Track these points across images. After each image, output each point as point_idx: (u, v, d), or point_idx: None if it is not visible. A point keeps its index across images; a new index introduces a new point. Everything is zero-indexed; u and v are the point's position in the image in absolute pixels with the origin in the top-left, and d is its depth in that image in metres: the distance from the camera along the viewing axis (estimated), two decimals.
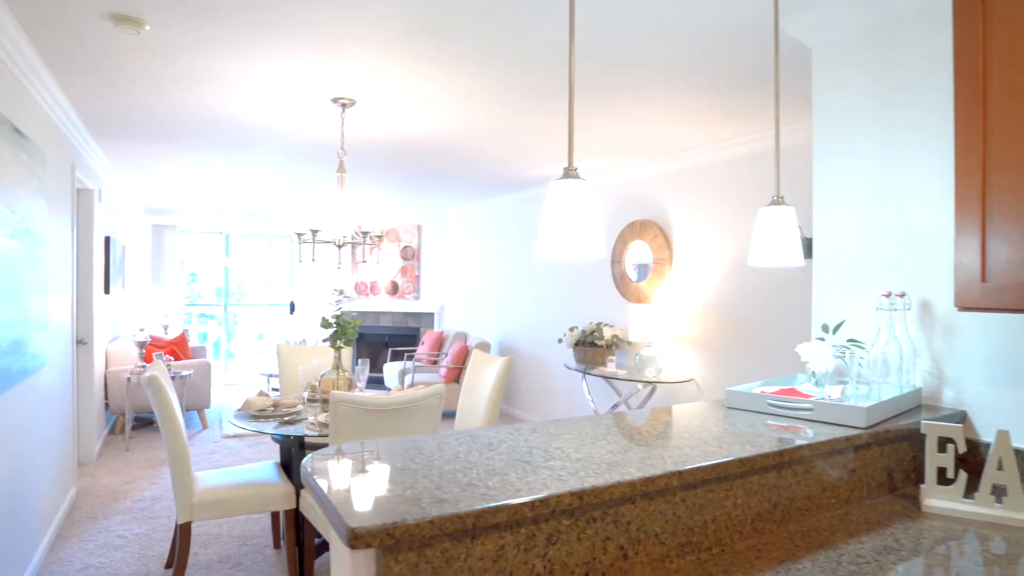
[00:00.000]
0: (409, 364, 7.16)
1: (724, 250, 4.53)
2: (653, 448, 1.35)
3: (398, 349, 8.53)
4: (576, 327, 5.42)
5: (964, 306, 1.50)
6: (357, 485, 1.08)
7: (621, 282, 5.44)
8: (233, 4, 2.32)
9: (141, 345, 5.75)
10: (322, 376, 3.41)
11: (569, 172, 1.30)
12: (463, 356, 6.61)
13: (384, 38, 2.65)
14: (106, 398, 5.75)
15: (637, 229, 5.26)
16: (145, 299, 7.57)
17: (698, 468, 1.22)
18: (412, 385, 6.58)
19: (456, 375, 6.66)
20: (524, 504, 1.01)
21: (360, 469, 1.18)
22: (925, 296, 1.91)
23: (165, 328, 7.63)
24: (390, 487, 1.08)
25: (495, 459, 1.25)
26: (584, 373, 5.15)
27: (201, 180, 6.25)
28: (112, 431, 6.05)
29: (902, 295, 1.87)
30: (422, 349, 7.62)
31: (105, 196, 5.50)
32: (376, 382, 8.46)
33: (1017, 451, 1.57)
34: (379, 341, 9.08)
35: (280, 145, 4.64)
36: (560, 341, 5.62)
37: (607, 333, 5.19)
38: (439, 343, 7.62)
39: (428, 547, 0.96)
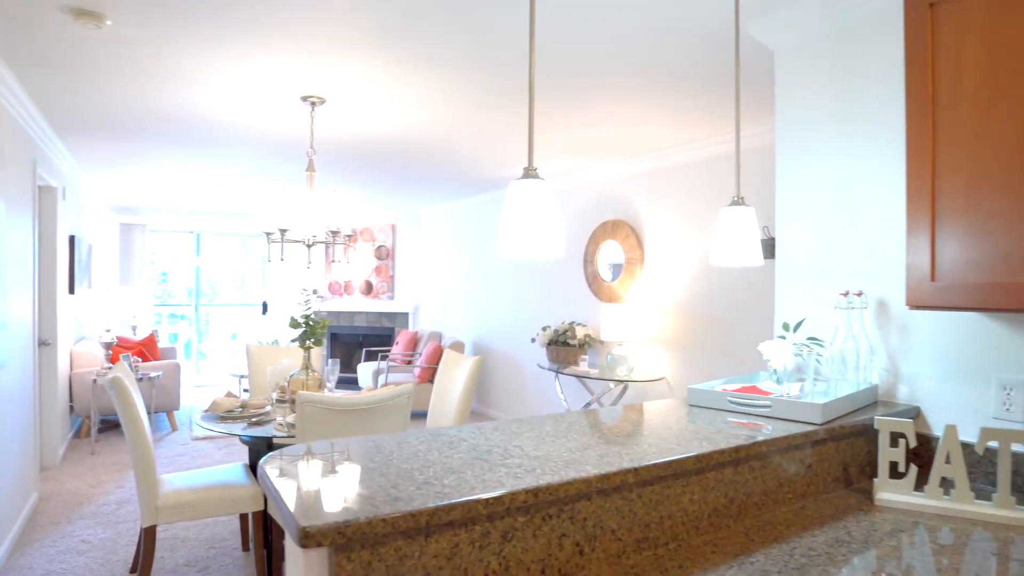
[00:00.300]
0: (383, 364, 7.12)
1: (695, 250, 4.58)
2: (612, 445, 1.37)
3: (372, 349, 8.48)
4: (549, 326, 5.44)
5: (915, 305, 1.54)
6: (312, 484, 1.08)
7: (593, 282, 5.48)
8: (197, 0, 2.29)
9: (107, 346, 5.64)
10: (291, 376, 3.38)
11: (529, 172, 1.31)
12: (437, 356, 6.59)
13: (354, 37, 2.64)
14: (71, 400, 5.63)
15: (609, 229, 5.30)
16: (113, 299, 7.43)
17: (654, 465, 1.24)
18: (386, 385, 6.55)
19: (430, 375, 6.64)
20: (478, 501, 1.02)
21: (316, 469, 1.17)
22: (882, 295, 1.95)
23: (133, 329, 7.49)
24: (345, 486, 1.07)
25: (454, 457, 1.25)
26: (557, 372, 5.17)
27: (171, 178, 6.15)
28: (77, 434, 5.93)
29: (859, 294, 1.92)
30: (396, 349, 7.58)
31: (70, 194, 5.39)
32: (350, 382, 8.40)
33: (964, 445, 1.62)
34: (353, 341, 9.02)
35: (250, 143, 4.59)
36: (533, 340, 5.64)
37: (579, 332, 5.22)
38: (413, 343, 7.59)
39: (381, 545, 0.96)
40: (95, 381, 5.39)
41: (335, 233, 3.68)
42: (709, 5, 2.32)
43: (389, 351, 7.76)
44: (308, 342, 3.38)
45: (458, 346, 6.88)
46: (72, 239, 5.40)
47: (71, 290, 5.35)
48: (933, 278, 1.50)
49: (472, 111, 3.74)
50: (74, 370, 5.61)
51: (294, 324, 3.35)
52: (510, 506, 1.05)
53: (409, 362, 7.30)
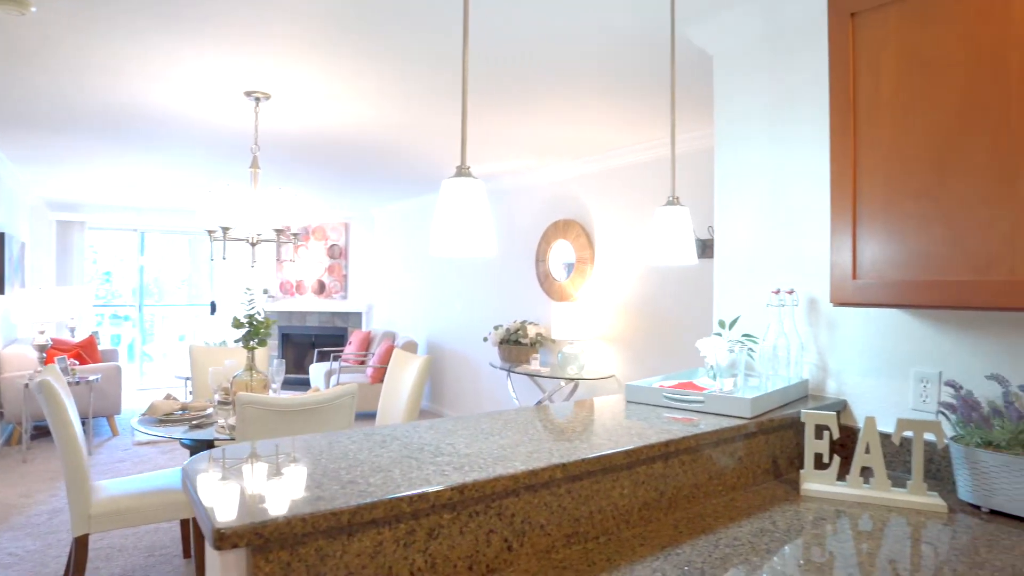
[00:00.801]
0: (335, 365, 7.01)
1: (643, 249, 4.65)
2: (544, 442, 1.38)
3: (325, 349, 8.35)
4: (501, 325, 5.45)
5: (839, 302, 1.60)
6: (232, 485, 1.06)
7: (545, 280, 5.51)
8: None
9: (41, 349, 5.40)
10: (234, 378, 3.30)
11: (462, 170, 1.30)
12: (390, 356, 6.53)
13: (297, 31, 2.59)
14: (1, 406, 5.37)
15: (561, 228, 5.34)
16: (49, 300, 7.11)
17: (582, 460, 1.25)
18: (337, 386, 6.44)
19: (383, 375, 6.57)
20: (402, 499, 1.01)
21: (240, 469, 1.15)
22: (812, 293, 2.02)
23: (71, 331, 7.19)
24: (267, 486, 1.05)
25: (383, 456, 1.24)
26: (509, 371, 5.18)
27: (110, 174, 5.93)
28: (8, 442, 5.66)
29: (791, 292, 1.98)
30: (349, 349, 7.48)
31: None
32: (302, 383, 8.25)
33: (883, 435, 1.69)
34: (305, 341, 8.86)
35: (193, 139, 4.46)
36: (485, 340, 5.64)
37: (531, 331, 5.25)
38: (367, 343, 7.50)
39: (301, 545, 0.94)
40: (27, 386, 5.16)
41: (281, 232, 3.61)
42: (652, 10, 2.36)
43: (342, 351, 7.65)
44: (251, 342, 3.30)
45: (411, 346, 6.83)
46: (1, 236, 5.15)
47: (0, 290, 5.10)
48: (855, 276, 1.56)
49: (422, 109, 3.72)
50: (4, 374, 5.36)
51: (237, 324, 3.27)
52: (435, 503, 1.05)
53: (362, 362, 7.21)
